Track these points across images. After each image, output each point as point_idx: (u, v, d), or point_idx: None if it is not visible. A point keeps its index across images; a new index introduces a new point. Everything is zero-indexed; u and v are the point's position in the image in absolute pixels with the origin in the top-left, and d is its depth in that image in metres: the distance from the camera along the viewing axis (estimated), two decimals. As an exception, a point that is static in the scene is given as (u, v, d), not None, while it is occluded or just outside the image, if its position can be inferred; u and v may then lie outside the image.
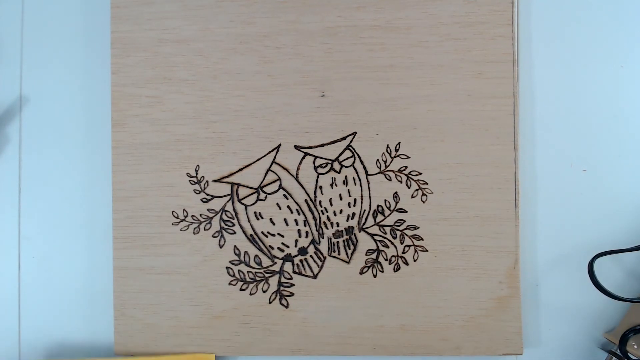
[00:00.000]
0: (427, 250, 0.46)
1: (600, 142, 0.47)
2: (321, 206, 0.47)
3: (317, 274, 0.47)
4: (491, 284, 0.46)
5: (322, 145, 0.47)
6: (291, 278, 0.47)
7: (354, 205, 0.47)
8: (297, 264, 0.47)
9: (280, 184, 0.47)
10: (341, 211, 0.47)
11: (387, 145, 0.46)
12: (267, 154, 0.47)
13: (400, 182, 0.46)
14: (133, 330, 0.48)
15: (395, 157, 0.46)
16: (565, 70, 0.48)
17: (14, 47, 0.52)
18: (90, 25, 0.51)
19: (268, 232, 0.47)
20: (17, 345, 0.51)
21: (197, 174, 0.48)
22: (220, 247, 0.47)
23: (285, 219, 0.47)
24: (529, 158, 0.47)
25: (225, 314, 0.47)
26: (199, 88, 0.47)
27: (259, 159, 0.47)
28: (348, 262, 0.47)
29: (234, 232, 0.47)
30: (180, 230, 0.48)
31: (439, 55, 0.46)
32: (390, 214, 0.46)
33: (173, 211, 0.48)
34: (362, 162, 0.47)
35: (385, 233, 0.46)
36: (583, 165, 0.47)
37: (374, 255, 0.47)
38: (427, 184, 0.46)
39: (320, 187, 0.47)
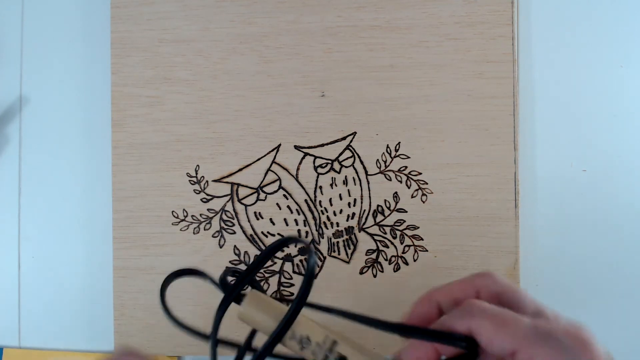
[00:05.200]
0: (427, 250, 0.46)
1: (600, 142, 0.47)
2: (321, 206, 0.47)
3: (317, 274, 0.47)
4: (491, 284, 0.45)
5: (322, 145, 0.47)
6: (291, 278, 0.47)
7: (354, 205, 0.47)
8: (297, 264, 0.47)
9: (280, 184, 0.47)
10: (341, 211, 0.47)
11: (387, 145, 0.46)
12: (267, 154, 0.47)
13: (400, 182, 0.46)
14: (133, 330, 0.48)
15: (395, 157, 0.46)
16: (565, 70, 0.48)
17: (14, 47, 0.52)
18: (90, 25, 0.51)
19: (268, 232, 0.47)
20: (17, 345, 0.51)
21: (197, 174, 0.48)
22: (220, 247, 0.47)
23: (285, 219, 0.47)
24: (529, 158, 0.47)
25: (225, 314, 0.47)
26: (199, 88, 0.47)
27: (259, 159, 0.47)
28: (348, 262, 0.47)
29: (234, 232, 0.47)
30: (180, 230, 0.48)
31: (439, 55, 0.46)
32: (390, 214, 0.46)
33: (173, 211, 0.48)
34: (362, 162, 0.47)
35: (385, 233, 0.46)
36: (583, 165, 0.47)
37: (374, 255, 0.46)
38: (427, 184, 0.46)
39: (320, 187, 0.47)
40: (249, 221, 0.47)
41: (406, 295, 0.46)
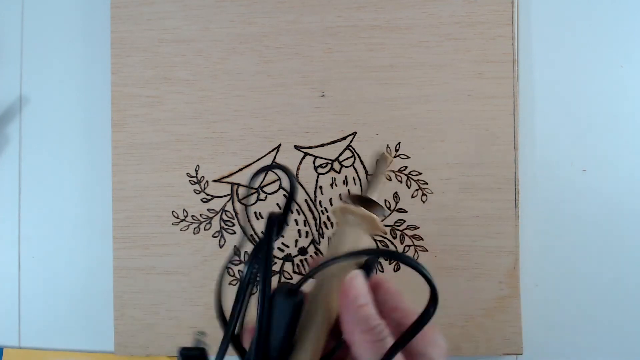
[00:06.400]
0: (427, 250, 0.46)
1: (600, 142, 0.47)
2: (321, 206, 0.47)
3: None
4: (491, 284, 0.46)
5: (322, 145, 0.47)
6: (291, 278, 0.47)
7: (354, 205, 0.47)
8: (297, 264, 0.47)
9: (280, 184, 0.47)
10: (341, 211, 0.47)
11: (387, 145, 0.46)
12: (267, 154, 0.47)
13: (400, 182, 0.46)
14: (133, 330, 0.48)
15: (395, 157, 0.46)
16: (565, 70, 0.48)
17: (14, 47, 0.52)
18: (90, 25, 0.51)
19: (268, 232, 0.47)
20: (17, 345, 0.51)
21: (197, 174, 0.48)
22: (220, 247, 0.47)
23: (285, 219, 0.47)
24: (529, 158, 0.47)
25: (225, 314, 0.47)
26: (199, 88, 0.47)
27: (259, 159, 0.47)
28: (348, 262, 0.47)
29: (234, 232, 0.47)
30: (180, 230, 0.48)
31: (439, 55, 0.46)
32: (390, 214, 0.46)
33: (173, 211, 0.48)
34: (362, 162, 0.47)
35: (385, 233, 0.46)
36: (583, 165, 0.47)
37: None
38: (427, 184, 0.46)
39: (320, 187, 0.47)
40: (249, 221, 0.47)
41: (406, 295, 0.46)
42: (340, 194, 0.47)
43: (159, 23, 0.48)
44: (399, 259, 0.28)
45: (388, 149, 0.41)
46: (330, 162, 0.47)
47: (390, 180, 0.46)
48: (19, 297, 0.51)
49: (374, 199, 0.30)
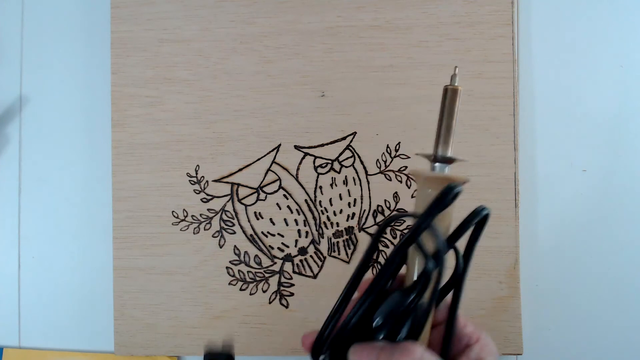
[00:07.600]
0: (427, 250, 0.46)
1: (600, 142, 0.47)
2: (321, 206, 0.47)
3: (317, 274, 0.47)
4: (491, 284, 0.46)
5: (322, 145, 0.47)
6: (291, 278, 0.47)
7: (354, 205, 0.47)
8: (297, 264, 0.47)
9: (280, 184, 0.47)
10: (341, 211, 0.47)
11: (387, 145, 0.46)
12: (267, 154, 0.47)
13: (400, 182, 0.46)
14: (133, 330, 0.48)
15: (395, 157, 0.46)
16: (565, 70, 0.48)
17: (14, 47, 0.52)
18: (90, 25, 0.51)
19: (268, 232, 0.47)
20: (17, 345, 0.51)
21: (197, 174, 0.48)
22: (220, 247, 0.47)
23: (285, 219, 0.47)
24: (529, 158, 0.47)
25: (225, 314, 0.47)
26: (199, 88, 0.48)
27: (259, 159, 0.47)
28: (348, 262, 0.47)
29: (234, 232, 0.47)
30: (180, 230, 0.48)
31: (439, 55, 0.46)
32: (390, 214, 0.46)
33: (173, 211, 0.48)
34: (362, 162, 0.47)
35: (385, 233, 0.46)
36: (583, 165, 0.47)
37: (374, 255, 0.46)
38: (427, 184, 0.46)
39: (320, 187, 0.47)
40: (249, 221, 0.47)
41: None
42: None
43: (159, 23, 0.48)
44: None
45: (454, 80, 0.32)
46: (330, 162, 0.47)
47: (391, 180, 0.46)
48: (19, 297, 0.51)
49: (449, 155, 0.29)
